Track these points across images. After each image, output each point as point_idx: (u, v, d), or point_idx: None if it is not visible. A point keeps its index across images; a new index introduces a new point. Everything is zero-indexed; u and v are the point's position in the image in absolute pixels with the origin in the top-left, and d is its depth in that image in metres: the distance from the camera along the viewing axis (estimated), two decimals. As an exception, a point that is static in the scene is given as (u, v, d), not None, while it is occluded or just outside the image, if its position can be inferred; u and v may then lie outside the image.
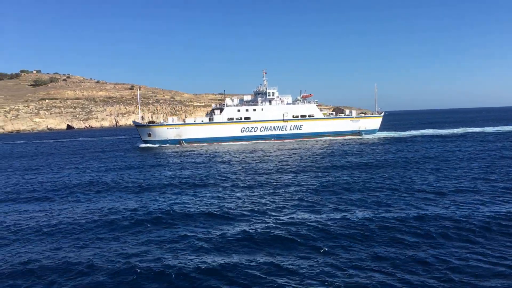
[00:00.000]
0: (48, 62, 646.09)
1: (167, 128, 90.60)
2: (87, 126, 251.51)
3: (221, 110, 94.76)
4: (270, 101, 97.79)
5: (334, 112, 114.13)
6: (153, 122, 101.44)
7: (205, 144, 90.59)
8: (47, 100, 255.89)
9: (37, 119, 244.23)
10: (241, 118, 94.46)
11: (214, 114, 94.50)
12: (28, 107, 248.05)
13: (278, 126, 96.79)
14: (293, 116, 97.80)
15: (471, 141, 79.27)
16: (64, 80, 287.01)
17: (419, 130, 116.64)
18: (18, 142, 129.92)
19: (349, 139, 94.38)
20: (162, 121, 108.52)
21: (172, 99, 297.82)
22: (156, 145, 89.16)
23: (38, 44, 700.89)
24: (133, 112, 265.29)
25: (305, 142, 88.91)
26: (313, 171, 47.00)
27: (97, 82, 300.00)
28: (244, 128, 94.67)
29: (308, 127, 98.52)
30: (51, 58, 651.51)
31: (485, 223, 24.72)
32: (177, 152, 75.99)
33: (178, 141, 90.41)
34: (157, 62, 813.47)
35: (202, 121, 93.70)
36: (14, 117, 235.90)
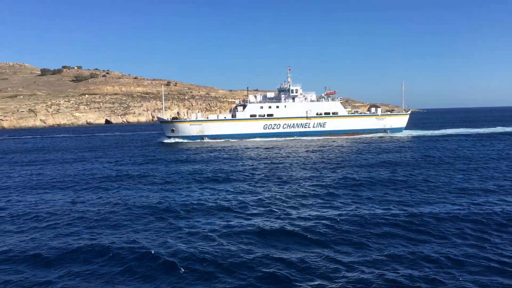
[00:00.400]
0: (89, 58, 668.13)
1: (190, 124, 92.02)
2: (125, 121, 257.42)
3: (244, 106, 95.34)
4: (293, 98, 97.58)
5: (359, 110, 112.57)
6: (176, 118, 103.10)
7: (227, 140, 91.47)
8: (86, 95, 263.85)
9: (77, 114, 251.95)
10: (263, 115, 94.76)
11: (237, 111, 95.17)
12: (69, 102, 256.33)
13: (301, 123, 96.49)
14: (316, 114, 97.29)
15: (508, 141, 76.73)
16: (104, 76, 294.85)
17: (451, 128, 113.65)
18: (59, 136, 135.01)
19: (373, 137, 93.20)
20: (185, 117, 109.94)
21: (207, 95, 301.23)
22: (179, 141, 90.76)
23: (79, 41, 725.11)
24: (169, 108, 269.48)
25: (328, 140, 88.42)
26: (332, 168, 47.14)
27: (135, 78, 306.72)
28: (266, 125, 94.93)
29: (331, 124, 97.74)
30: (92, 54, 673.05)
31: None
32: (199, 147, 77.25)
33: (201, 137, 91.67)
34: (193, 59, 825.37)
35: (225, 117, 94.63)
36: (55, 112, 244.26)
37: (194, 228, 25.01)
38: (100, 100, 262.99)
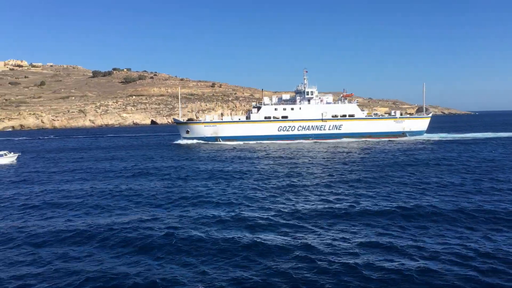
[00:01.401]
0: (138, 61, 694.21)
1: (204, 126, 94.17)
2: (170, 121, 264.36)
3: (258, 108, 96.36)
4: (308, 100, 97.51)
5: (378, 113, 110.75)
6: (192, 119, 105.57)
7: (242, 142, 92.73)
8: (134, 97, 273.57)
9: (124, 114, 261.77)
10: (278, 117, 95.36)
11: (251, 113, 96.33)
12: (117, 103, 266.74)
13: (317, 126, 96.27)
14: (332, 116, 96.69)
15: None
16: (151, 77, 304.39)
17: (480, 132, 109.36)
18: (109, 135, 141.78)
19: (390, 140, 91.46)
20: (201, 119, 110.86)
21: (251, 97, 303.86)
22: (193, 142, 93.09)
23: (130, 44, 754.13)
24: (212, 109, 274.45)
25: (344, 143, 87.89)
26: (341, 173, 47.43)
27: (181, 79, 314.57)
28: (281, 127, 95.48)
29: (348, 127, 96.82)
30: (141, 56, 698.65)
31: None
32: (212, 148, 79.36)
33: (215, 138, 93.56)
34: (238, 61, 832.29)
35: (239, 119, 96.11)
36: (103, 112, 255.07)
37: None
38: (146, 101, 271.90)
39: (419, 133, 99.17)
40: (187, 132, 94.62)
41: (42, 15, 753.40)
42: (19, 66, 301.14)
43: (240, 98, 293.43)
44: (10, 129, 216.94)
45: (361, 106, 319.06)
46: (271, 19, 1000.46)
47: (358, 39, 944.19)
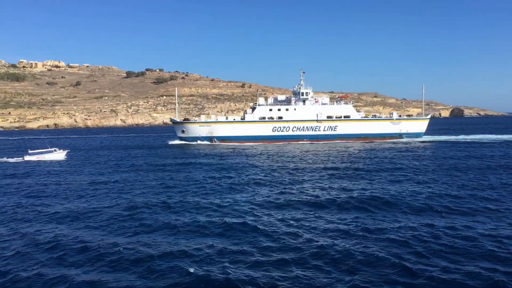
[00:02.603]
0: (170, 61, 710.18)
1: (199, 126, 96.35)
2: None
3: (253, 109, 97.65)
4: (303, 101, 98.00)
5: (377, 114, 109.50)
6: (188, 119, 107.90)
7: (236, 142, 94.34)
8: (164, 97, 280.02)
9: (154, 114, 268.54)
10: (272, 118, 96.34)
11: (247, 113, 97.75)
12: (147, 103, 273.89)
13: (311, 127, 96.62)
14: (327, 117, 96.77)
15: None
16: (183, 78, 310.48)
17: (484, 134, 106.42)
18: (118, 135, 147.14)
19: (387, 142, 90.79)
20: (196, 118, 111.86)
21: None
22: (189, 142, 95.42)
23: (163, 45, 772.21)
24: (242, 109, 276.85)
25: (338, 144, 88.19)
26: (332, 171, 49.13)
27: (212, 80, 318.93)
28: (275, 127, 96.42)
29: (343, 128, 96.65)
30: (174, 57, 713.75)
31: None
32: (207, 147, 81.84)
33: (210, 139, 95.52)
34: (270, 61, 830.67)
35: (234, 119, 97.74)
36: (134, 112, 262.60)
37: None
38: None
39: (417, 135, 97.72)
40: (183, 131, 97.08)
41: (81, 17, 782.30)
42: (57, 66, 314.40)
43: (269, 99, 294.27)
44: (45, 128, 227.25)
45: (394, 107, 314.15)
46: (304, 20, 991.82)
47: (395, 37, 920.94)
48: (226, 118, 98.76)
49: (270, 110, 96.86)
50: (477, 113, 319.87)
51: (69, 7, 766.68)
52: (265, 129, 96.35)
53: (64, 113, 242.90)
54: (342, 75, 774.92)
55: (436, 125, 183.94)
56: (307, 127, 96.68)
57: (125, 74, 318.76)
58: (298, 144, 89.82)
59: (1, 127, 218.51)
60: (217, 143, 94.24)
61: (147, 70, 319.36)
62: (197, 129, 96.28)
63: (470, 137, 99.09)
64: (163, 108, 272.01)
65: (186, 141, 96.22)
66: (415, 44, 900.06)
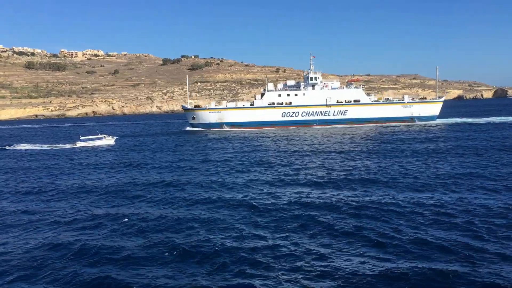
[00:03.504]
0: (205, 48, 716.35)
1: (210, 112, 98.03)
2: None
3: (263, 95, 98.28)
4: (313, 86, 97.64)
5: (390, 98, 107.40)
6: (198, 106, 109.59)
7: (246, 128, 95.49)
8: (199, 83, 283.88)
9: (189, 101, 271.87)
10: (281, 103, 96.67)
11: (256, 99, 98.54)
12: (182, 89, 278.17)
13: (321, 111, 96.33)
14: (337, 101, 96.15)
15: None
16: (217, 64, 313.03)
17: (497, 116, 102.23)
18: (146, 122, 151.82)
19: (398, 125, 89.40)
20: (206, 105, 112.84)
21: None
22: (200, 128, 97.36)
23: (197, 32, 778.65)
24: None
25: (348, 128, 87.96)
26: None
27: (246, 65, 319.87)
28: (285, 112, 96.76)
29: (353, 112, 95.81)
30: (208, 43, 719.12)
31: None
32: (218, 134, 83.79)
33: (220, 125, 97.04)
34: (301, 46, 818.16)
35: (243, 105, 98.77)
36: (169, 99, 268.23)
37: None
38: (211, 87, 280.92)
39: (431, 118, 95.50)
40: (193, 118, 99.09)
41: (119, 7, 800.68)
42: (96, 55, 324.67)
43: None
44: (84, 116, 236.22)
45: (433, 88, 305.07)
46: (340, 5, 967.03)
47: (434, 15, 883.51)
48: (236, 104, 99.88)
49: (279, 95, 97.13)
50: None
51: None
52: (274, 115, 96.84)
53: (102, 101, 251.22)
54: (379, 58, 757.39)
55: (466, 107, 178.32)
56: (316, 112, 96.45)
57: (161, 62, 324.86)
58: (308, 129, 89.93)
59: (42, 115, 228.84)
60: (227, 129, 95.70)
61: (182, 57, 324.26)
62: (207, 116, 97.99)
63: (485, 119, 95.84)
64: (197, 95, 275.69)
65: (197, 127, 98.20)
66: (457, 21, 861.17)
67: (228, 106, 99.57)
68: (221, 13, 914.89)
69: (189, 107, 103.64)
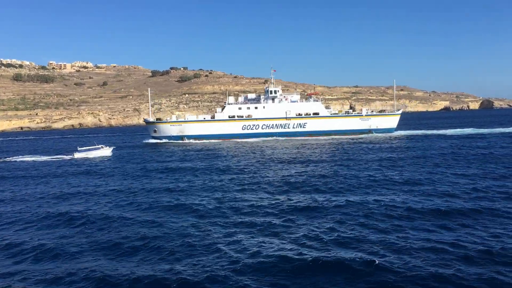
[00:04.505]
0: (194, 60, 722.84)
1: (171, 125, 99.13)
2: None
3: (223, 108, 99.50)
4: (272, 99, 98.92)
5: (350, 111, 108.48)
6: (160, 119, 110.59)
7: (207, 140, 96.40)
8: (187, 95, 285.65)
9: (176, 112, 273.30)
10: (242, 116, 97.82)
11: (216, 112, 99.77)
12: (170, 101, 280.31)
13: (281, 124, 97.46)
14: (296, 114, 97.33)
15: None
16: (206, 76, 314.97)
17: (460, 128, 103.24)
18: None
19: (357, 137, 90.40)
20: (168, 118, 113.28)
21: (303, 93, 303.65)
22: (161, 141, 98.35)
23: (186, 43, 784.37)
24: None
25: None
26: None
27: (235, 77, 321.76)
28: (245, 125, 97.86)
29: (312, 125, 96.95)
30: (198, 55, 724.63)
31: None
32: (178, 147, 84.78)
33: (181, 137, 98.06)
34: (291, 56, 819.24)
35: (204, 118, 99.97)
36: (157, 111, 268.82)
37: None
38: (199, 99, 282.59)
39: (388, 130, 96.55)
40: (155, 131, 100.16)
41: (107, 17, 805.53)
42: (85, 67, 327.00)
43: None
44: (70, 128, 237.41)
45: (420, 100, 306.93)
46: (327, 16, 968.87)
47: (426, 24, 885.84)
48: (197, 117, 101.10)
49: (240, 108, 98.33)
50: (508, 105, 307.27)
51: (98, 8, 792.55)
52: (235, 127, 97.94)
53: (88, 113, 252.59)
54: (368, 69, 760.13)
55: (432, 119, 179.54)
56: (276, 124, 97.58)
57: (150, 73, 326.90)
58: (267, 141, 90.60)
59: (28, 127, 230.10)
60: (188, 141, 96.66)
61: (171, 68, 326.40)
62: (168, 129, 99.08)
63: (449, 131, 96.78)
64: (185, 106, 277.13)
65: (159, 139, 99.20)
66: (447, 34, 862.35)
67: (189, 119, 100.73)
68: (213, 25, 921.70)
69: (151, 120, 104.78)
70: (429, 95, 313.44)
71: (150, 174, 47.03)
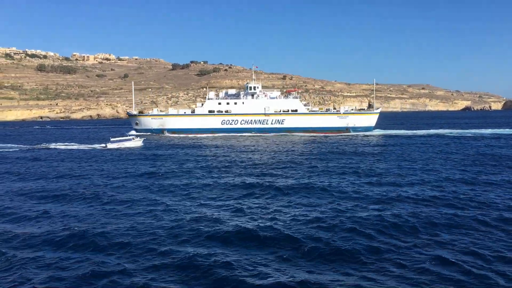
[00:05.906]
0: (215, 53, 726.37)
1: (152, 118, 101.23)
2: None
3: (203, 103, 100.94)
4: (252, 95, 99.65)
5: (330, 109, 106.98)
6: (142, 112, 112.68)
7: (186, 134, 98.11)
8: (204, 89, 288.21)
9: (193, 106, 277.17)
10: (222, 111, 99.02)
11: (197, 107, 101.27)
12: (187, 94, 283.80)
13: (259, 120, 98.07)
14: (275, 111, 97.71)
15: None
16: (225, 70, 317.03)
17: (435, 129, 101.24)
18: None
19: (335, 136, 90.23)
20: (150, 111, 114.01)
21: (322, 89, 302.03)
22: (142, 133, 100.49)
23: (208, 37, 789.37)
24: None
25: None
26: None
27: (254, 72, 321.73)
28: (224, 120, 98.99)
29: (290, 121, 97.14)
30: (219, 49, 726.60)
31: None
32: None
33: (161, 131, 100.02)
34: (310, 53, 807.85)
35: (184, 112, 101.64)
36: (174, 104, 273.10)
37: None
38: (216, 93, 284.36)
39: (366, 129, 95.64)
40: (136, 124, 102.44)
41: (131, 10, 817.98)
42: (107, 59, 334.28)
43: (310, 91, 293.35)
44: (88, 118, 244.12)
45: (441, 99, 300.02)
46: (350, 11, 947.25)
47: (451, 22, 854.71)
48: (178, 111, 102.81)
49: (219, 103, 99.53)
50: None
51: (123, 1, 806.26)
52: (214, 122, 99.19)
53: (107, 104, 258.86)
54: (389, 66, 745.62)
55: (449, 119, 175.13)
56: (255, 120, 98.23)
57: (171, 67, 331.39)
58: (245, 136, 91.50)
59: (47, 117, 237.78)
60: (168, 135, 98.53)
61: (191, 62, 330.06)
62: (150, 122, 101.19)
63: (430, 131, 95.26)
64: (202, 100, 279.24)
65: (140, 132, 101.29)
66: (472, 32, 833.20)
67: (169, 113, 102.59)
68: (235, 18, 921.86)
69: (133, 113, 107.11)
70: (452, 94, 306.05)
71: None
